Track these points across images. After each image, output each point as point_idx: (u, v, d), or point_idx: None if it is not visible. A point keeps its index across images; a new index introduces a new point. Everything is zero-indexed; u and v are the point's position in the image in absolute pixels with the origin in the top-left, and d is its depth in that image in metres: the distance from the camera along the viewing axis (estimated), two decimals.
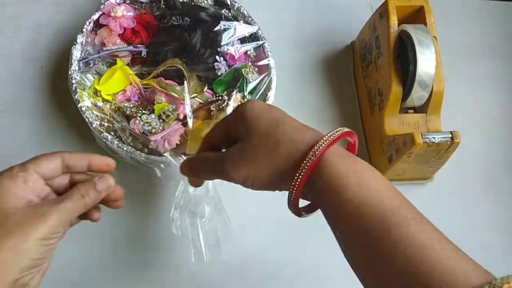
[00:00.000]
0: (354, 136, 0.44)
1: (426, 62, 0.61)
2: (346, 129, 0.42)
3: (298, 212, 0.44)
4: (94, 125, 0.62)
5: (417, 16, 0.67)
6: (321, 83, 0.77)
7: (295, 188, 0.41)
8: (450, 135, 0.59)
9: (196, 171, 0.49)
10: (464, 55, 0.81)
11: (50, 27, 0.76)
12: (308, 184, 0.41)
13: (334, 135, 0.41)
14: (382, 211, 0.38)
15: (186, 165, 0.49)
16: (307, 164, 0.40)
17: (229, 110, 0.63)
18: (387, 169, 0.66)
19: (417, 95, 0.63)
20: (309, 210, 0.45)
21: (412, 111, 0.66)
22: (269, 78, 0.68)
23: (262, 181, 0.43)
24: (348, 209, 0.39)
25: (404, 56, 0.63)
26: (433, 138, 0.59)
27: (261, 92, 0.67)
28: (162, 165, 0.61)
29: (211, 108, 0.65)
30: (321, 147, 0.40)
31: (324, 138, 0.40)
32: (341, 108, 0.75)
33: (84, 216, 0.46)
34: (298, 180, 0.40)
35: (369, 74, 0.71)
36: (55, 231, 0.40)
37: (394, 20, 0.65)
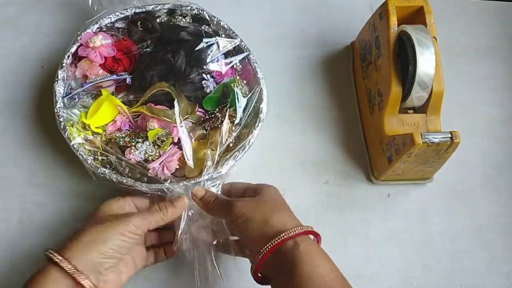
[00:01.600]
0: (319, 237, 0.55)
1: (425, 63, 0.61)
2: (314, 230, 0.54)
3: (256, 276, 0.54)
4: (89, 162, 0.61)
5: (417, 16, 0.67)
6: (320, 83, 0.77)
7: (261, 255, 0.51)
8: (450, 135, 0.59)
9: (207, 206, 0.58)
10: (464, 55, 0.81)
11: (51, 27, 0.77)
12: (270, 256, 0.51)
13: (303, 229, 0.52)
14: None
15: (201, 200, 0.59)
16: (275, 241, 0.51)
17: (224, 127, 0.63)
18: (387, 169, 0.66)
19: (417, 96, 0.63)
20: (263, 281, 0.54)
21: (412, 111, 0.66)
22: (259, 89, 0.67)
23: (249, 225, 0.53)
24: (301, 278, 0.49)
25: (404, 57, 0.63)
26: (433, 138, 0.59)
27: (253, 104, 0.66)
28: (163, 193, 0.60)
29: (205, 127, 0.64)
30: (292, 232, 0.51)
31: (294, 229, 0.52)
32: (341, 108, 0.75)
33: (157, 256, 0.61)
34: (267, 248, 0.51)
35: (368, 75, 0.71)
36: (132, 230, 0.53)
37: (394, 20, 0.65)
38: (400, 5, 0.66)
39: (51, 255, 0.50)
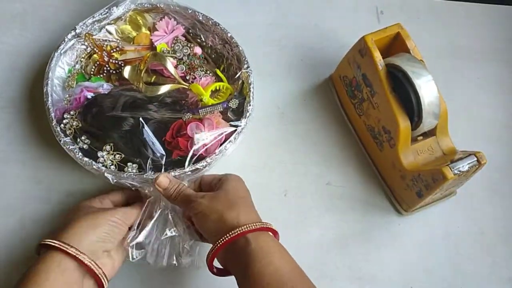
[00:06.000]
0: (276, 233, 0.56)
1: (428, 93, 0.59)
2: (269, 226, 0.55)
3: (211, 269, 0.56)
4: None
5: (395, 42, 0.66)
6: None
7: (212, 250, 0.53)
8: (476, 158, 0.58)
9: (169, 198, 0.59)
10: (469, 58, 0.80)
11: (57, 24, 0.77)
12: (225, 251, 0.53)
13: (255, 226, 0.53)
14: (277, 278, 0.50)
15: (164, 190, 0.59)
16: (224, 239, 0.52)
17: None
18: (418, 202, 0.65)
19: (428, 125, 0.62)
20: (221, 273, 0.56)
21: (421, 137, 0.65)
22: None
23: (205, 221, 0.55)
24: (253, 276, 0.50)
25: (398, 88, 0.62)
26: (462, 167, 0.58)
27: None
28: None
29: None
30: (240, 230, 0.52)
31: (245, 226, 0.52)
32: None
33: None
34: (217, 246, 0.53)
35: (365, 112, 0.69)
36: (120, 218, 0.57)
37: (378, 56, 0.63)
38: (377, 38, 0.64)
39: (50, 242, 0.52)
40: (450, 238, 0.69)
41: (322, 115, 0.75)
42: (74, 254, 0.51)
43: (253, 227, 0.53)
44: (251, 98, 0.66)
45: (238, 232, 0.52)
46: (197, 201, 0.56)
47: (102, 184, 0.67)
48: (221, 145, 0.62)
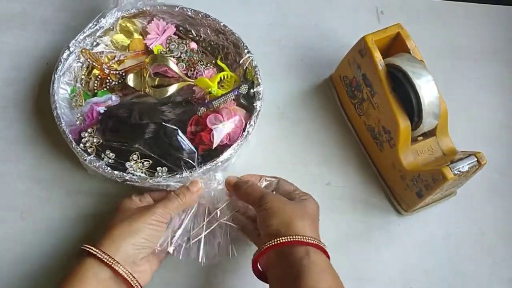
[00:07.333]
0: (329, 258, 0.54)
1: (428, 93, 0.59)
2: (326, 248, 0.54)
3: (255, 266, 0.55)
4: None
5: (395, 42, 0.66)
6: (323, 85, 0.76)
7: (267, 246, 0.53)
8: (476, 159, 0.58)
9: (239, 191, 0.60)
10: (468, 59, 0.80)
11: (56, 24, 0.77)
12: (278, 254, 0.53)
13: (320, 243, 0.53)
14: None
15: (234, 185, 0.61)
16: (286, 239, 0.52)
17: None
18: (418, 203, 0.65)
19: (428, 125, 0.62)
20: (259, 275, 0.56)
21: (422, 137, 0.65)
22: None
23: (272, 218, 0.54)
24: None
25: (398, 87, 0.62)
26: (462, 168, 0.58)
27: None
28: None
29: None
30: (305, 239, 0.52)
31: (311, 238, 0.52)
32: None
33: None
34: (274, 243, 0.52)
35: (365, 112, 0.69)
36: (158, 219, 0.56)
37: (378, 56, 0.63)
38: (377, 38, 0.64)
39: (88, 249, 0.53)
40: (450, 239, 0.69)
41: (322, 115, 0.75)
42: (110, 264, 0.52)
43: (317, 242, 0.52)
44: (259, 80, 0.67)
45: (303, 239, 0.52)
46: (271, 198, 0.56)
47: (103, 184, 0.67)
48: (243, 131, 0.64)
